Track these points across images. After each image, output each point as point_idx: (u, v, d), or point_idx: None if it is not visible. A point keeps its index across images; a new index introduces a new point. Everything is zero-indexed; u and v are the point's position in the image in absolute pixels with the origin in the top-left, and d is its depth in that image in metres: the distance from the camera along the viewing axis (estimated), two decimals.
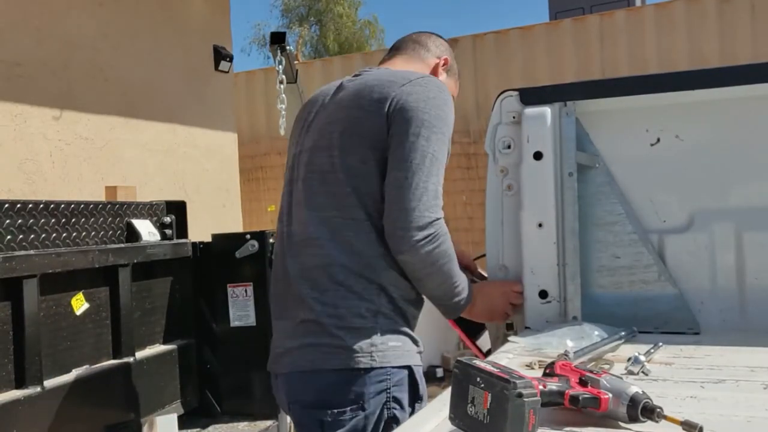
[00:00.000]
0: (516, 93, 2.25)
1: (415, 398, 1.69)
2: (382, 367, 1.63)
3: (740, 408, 1.36)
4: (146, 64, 5.12)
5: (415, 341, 1.74)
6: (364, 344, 1.63)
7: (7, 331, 2.66)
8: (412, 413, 1.66)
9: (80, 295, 3.02)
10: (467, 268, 2.07)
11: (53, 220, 2.98)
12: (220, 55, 5.77)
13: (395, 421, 1.63)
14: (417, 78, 1.74)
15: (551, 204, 2.16)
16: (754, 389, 1.49)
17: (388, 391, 1.63)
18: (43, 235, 2.92)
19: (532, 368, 1.67)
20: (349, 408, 1.61)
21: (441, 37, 2.11)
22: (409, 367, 1.68)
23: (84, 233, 3.15)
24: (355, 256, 1.67)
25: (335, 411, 1.62)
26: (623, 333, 1.94)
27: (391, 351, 1.64)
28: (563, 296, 2.16)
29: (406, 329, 1.72)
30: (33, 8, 4.31)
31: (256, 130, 8.80)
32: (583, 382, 1.28)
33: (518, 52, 7.62)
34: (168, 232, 3.68)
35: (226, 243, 3.70)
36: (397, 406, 1.64)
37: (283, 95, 4.61)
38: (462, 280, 1.80)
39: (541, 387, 1.22)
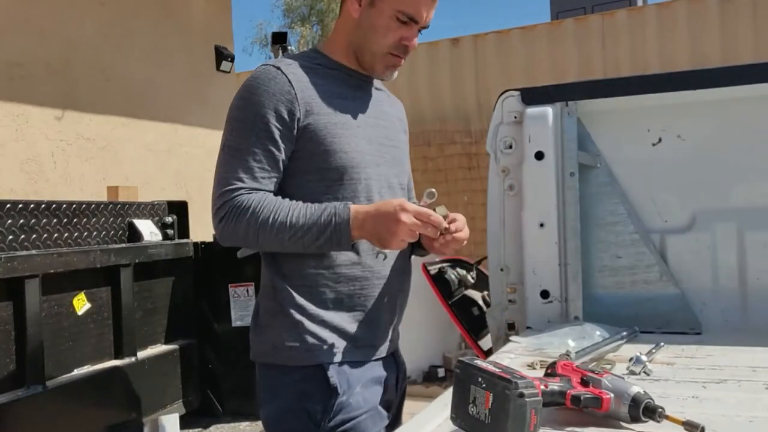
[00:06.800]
0: (517, 93, 2.26)
1: (330, 392, 1.65)
2: (284, 366, 1.69)
3: (742, 408, 1.36)
4: (148, 64, 5.12)
5: (320, 339, 1.67)
6: (266, 343, 1.72)
7: (9, 330, 2.66)
8: (328, 407, 1.65)
9: (82, 295, 3.03)
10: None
11: (55, 220, 2.98)
12: (222, 56, 5.78)
13: (306, 412, 1.66)
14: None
15: (553, 204, 2.16)
16: (756, 389, 1.49)
17: (296, 386, 1.68)
18: (45, 235, 2.92)
19: (534, 368, 1.67)
20: (267, 397, 1.73)
21: None
22: (319, 366, 1.66)
23: (86, 233, 3.15)
24: (260, 255, 1.77)
25: (260, 397, 1.75)
26: (625, 333, 1.94)
27: (287, 351, 1.68)
28: (565, 296, 2.16)
29: (311, 327, 1.67)
30: (35, 9, 4.32)
31: None
32: (584, 382, 1.28)
33: (519, 52, 7.61)
34: (169, 232, 3.68)
35: None
36: (308, 400, 1.67)
37: None
38: (306, 222, 1.60)
39: (542, 387, 1.21)
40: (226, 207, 1.64)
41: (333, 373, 1.67)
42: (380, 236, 1.59)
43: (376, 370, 1.76)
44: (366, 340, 1.74)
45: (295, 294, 1.69)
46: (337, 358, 1.68)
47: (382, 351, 1.78)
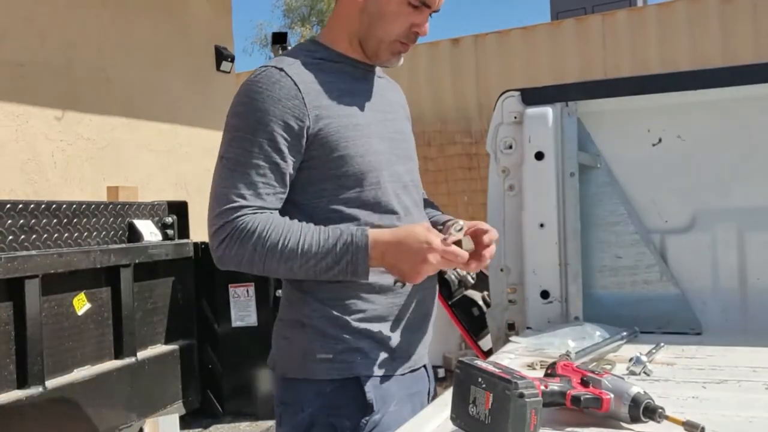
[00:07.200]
0: (518, 93, 2.25)
1: (362, 406, 1.55)
2: (313, 380, 1.57)
3: (742, 408, 1.36)
4: (148, 64, 5.13)
5: (356, 350, 1.56)
6: (295, 356, 1.59)
7: (9, 331, 2.67)
8: (359, 424, 1.55)
9: (82, 296, 3.03)
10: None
11: (55, 221, 2.98)
12: (222, 56, 5.79)
13: (332, 427, 1.56)
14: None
15: (553, 204, 2.16)
16: (756, 389, 1.49)
17: (325, 399, 1.56)
18: (45, 236, 2.92)
19: (534, 368, 1.67)
20: (291, 408, 1.60)
21: None
22: (354, 378, 1.56)
23: (86, 233, 3.15)
24: None
25: (282, 408, 1.62)
26: (625, 333, 1.93)
27: (319, 364, 1.55)
28: (565, 296, 2.16)
29: (345, 337, 1.56)
30: (35, 9, 4.32)
31: None
32: (584, 383, 1.28)
33: (520, 52, 7.62)
34: (169, 232, 3.68)
35: None
36: (337, 414, 1.56)
37: None
38: (318, 250, 1.48)
39: (542, 387, 1.21)
40: (227, 228, 1.49)
41: (370, 388, 1.55)
42: (402, 271, 1.49)
43: (411, 385, 1.65)
44: (402, 350, 1.62)
45: (324, 306, 1.56)
46: (375, 370, 1.56)
47: (418, 361, 1.67)
